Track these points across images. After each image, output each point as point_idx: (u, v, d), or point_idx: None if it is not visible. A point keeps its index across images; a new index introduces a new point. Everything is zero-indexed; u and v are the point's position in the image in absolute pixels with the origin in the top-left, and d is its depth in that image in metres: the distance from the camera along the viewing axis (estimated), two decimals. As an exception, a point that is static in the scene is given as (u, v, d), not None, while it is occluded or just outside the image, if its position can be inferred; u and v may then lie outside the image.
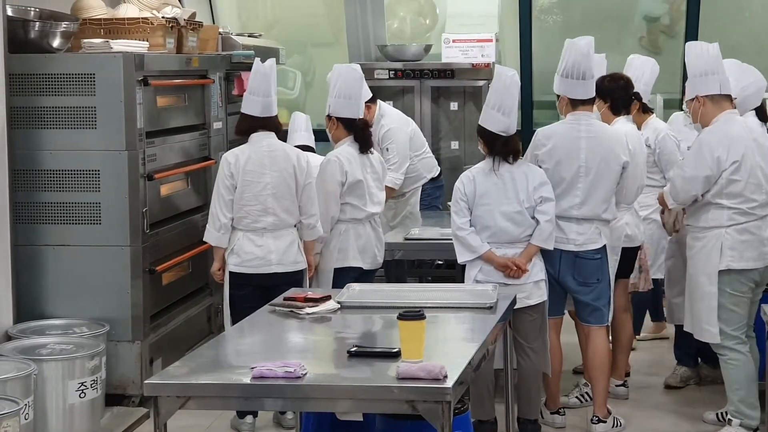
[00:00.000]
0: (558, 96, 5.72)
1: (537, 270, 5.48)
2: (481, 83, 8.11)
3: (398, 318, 3.83)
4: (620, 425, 5.75)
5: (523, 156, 5.59)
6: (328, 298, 4.65)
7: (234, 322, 5.79)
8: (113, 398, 5.96)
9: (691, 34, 8.77)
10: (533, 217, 5.43)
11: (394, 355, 3.85)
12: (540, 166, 5.58)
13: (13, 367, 5.13)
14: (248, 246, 5.71)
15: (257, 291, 5.73)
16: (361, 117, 6.04)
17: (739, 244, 5.33)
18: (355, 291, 4.86)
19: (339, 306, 4.61)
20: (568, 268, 5.62)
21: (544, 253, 5.52)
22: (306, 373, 3.69)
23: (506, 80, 5.42)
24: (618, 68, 6.58)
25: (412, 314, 3.82)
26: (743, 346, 5.39)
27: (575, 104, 5.65)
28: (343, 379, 3.76)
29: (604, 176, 5.60)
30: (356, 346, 3.98)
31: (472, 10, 9.01)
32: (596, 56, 6.44)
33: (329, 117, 6.06)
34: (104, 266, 5.96)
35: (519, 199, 5.40)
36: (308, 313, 4.53)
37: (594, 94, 5.69)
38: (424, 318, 3.82)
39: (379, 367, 3.79)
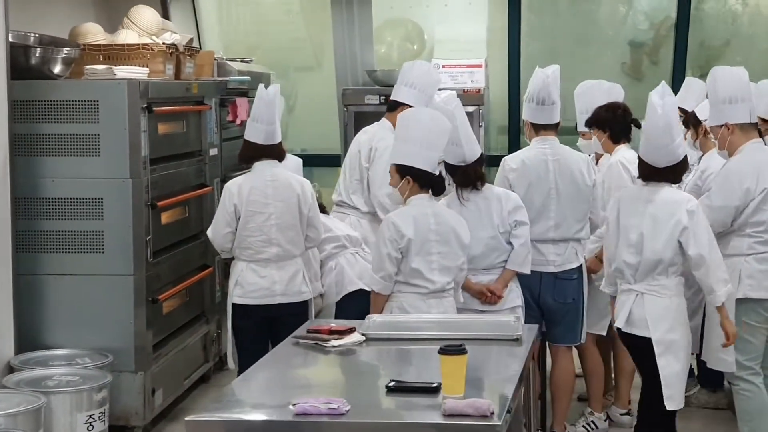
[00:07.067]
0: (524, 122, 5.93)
1: (513, 296, 5.49)
2: (471, 109, 8.07)
3: (439, 353, 3.79)
4: None
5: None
6: (352, 330, 4.60)
7: (240, 353, 5.76)
8: (115, 430, 5.85)
9: (680, 59, 8.85)
10: (509, 243, 5.44)
11: (434, 390, 3.81)
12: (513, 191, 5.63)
13: (22, 400, 5.05)
14: (252, 277, 5.65)
15: (262, 322, 5.68)
16: None
17: (758, 273, 5.33)
18: (376, 322, 4.82)
19: (364, 338, 4.57)
20: (548, 289, 5.73)
21: (524, 277, 5.52)
22: (349, 410, 3.64)
23: (449, 114, 5.32)
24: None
25: (454, 349, 3.78)
26: (756, 377, 5.38)
27: (537, 129, 5.83)
28: (388, 416, 3.72)
29: (575, 197, 5.75)
30: (393, 380, 3.94)
31: (459, 35, 9.02)
32: (608, 84, 6.52)
33: None
34: (107, 296, 5.88)
35: (494, 224, 5.41)
36: (334, 346, 4.48)
37: (556, 120, 5.83)
38: (466, 353, 3.78)
39: (420, 402, 3.75)
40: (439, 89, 6.79)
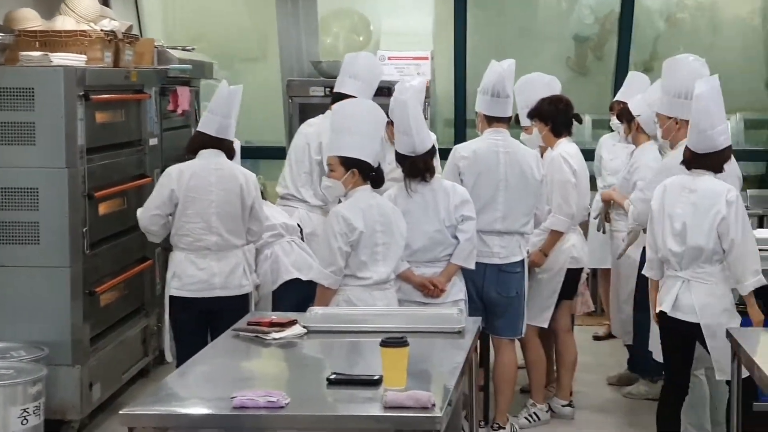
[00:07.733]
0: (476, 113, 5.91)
1: (456, 290, 5.44)
2: (416, 101, 8.03)
3: (381, 345, 3.72)
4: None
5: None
6: (294, 322, 4.52)
7: (178, 347, 5.66)
8: (51, 424, 5.72)
9: (623, 54, 8.86)
10: (454, 237, 5.39)
11: (376, 383, 3.74)
12: (461, 180, 5.58)
13: (-47, 395, 4.91)
14: (190, 269, 5.53)
15: (201, 315, 5.57)
16: None
17: None
18: (318, 315, 4.74)
19: (306, 330, 4.49)
20: (492, 281, 5.72)
21: (468, 269, 5.48)
22: (289, 403, 3.57)
23: (401, 104, 5.33)
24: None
25: (396, 341, 3.72)
26: (698, 369, 5.39)
27: (490, 121, 5.80)
28: (328, 408, 3.65)
29: (523, 191, 5.74)
30: (335, 373, 3.87)
31: (406, 27, 8.97)
32: (547, 77, 6.49)
33: None
34: (43, 288, 5.74)
35: (440, 218, 5.36)
36: (275, 338, 4.40)
37: (510, 114, 5.82)
38: (408, 345, 3.72)
39: (361, 395, 3.68)
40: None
